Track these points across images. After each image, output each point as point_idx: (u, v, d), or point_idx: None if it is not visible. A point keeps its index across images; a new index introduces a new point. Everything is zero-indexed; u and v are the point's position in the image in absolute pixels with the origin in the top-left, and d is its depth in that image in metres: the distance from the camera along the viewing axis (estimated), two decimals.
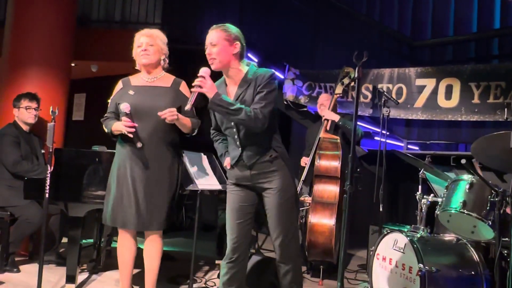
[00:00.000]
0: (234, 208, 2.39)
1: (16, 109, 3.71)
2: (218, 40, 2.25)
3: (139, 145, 2.57)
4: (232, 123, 2.29)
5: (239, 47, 2.28)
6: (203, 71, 2.23)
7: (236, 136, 2.31)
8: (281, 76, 5.53)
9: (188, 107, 2.26)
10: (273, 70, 2.30)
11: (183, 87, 2.79)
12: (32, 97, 3.74)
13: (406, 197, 5.13)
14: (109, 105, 2.77)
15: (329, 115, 3.78)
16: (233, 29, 2.31)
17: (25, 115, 3.70)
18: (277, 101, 2.34)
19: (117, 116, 2.73)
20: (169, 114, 2.53)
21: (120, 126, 2.58)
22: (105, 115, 2.76)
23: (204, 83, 2.15)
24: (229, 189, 2.44)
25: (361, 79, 1.97)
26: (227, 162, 2.41)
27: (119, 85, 2.79)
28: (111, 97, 2.77)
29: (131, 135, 2.56)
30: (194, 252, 3.10)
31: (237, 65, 2.31)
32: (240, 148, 2.32)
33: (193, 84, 2.19)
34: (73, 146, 3.17)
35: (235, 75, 2.32)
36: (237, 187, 2.40)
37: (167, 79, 2.79)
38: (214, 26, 2.32)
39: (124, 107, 2.56)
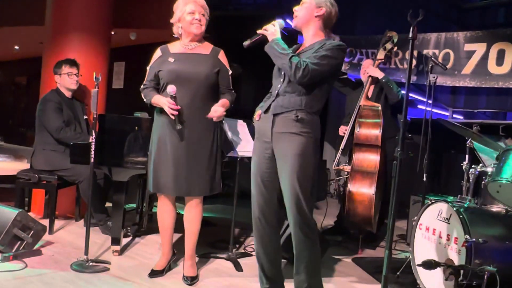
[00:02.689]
0: (252, 172, 2.35)
1: (57, 76, 3.78)
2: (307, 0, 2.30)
3: (178, 126, 2.59)
4: (282, 72, 2.28)
5: (324, 12, 2.26)
6: (276, 20, 2.32)
7: (279, 85, 2.29)
8: None
9: (246, 43, 2.32)
10: (343, 43, 2.23)
11: (222, 55, 2.79)
12: (73, 63, 3.80)
13: (449, 167, 4.98)
14: (147, 72, 2.77)
15: (374, 71, 3.70)
16: (329, 1, 2.30)
17: (67, 81, 3.77)
18: (334, 77, 2.29)
19: (156, 84, 2.74)
20: (215, 114, 2.61)
21: (162, 104, 2.61)
22: (144, 83, 2.77)
23: (269, 28, 2.27)
24: (253, 147, 2.39)
25: (406, 44, 1.86)
26: (257, 113, 2.36)
27: (158, 52, 2.78)
28: (150, 65, 2.77)
29: (173, 117, 2.57)
30: (233, 218, 3.13)
31: (316, 29, 2.29)
32: (274, 97, 2.29)
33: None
34: (113, 113, 3.22)
35: (310, 40, 2.30)
36: (258, 144, 2.34)
37: (207, 47, 2.78)
38: None
39: (171, 89, 2.56)
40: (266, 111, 2.30)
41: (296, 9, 2.34)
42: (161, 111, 2.68)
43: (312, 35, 2.32)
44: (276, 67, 2.37)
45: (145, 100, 2.73)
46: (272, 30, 2.27)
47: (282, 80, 2.29)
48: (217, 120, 2.66)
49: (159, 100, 2.64)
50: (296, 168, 2.17)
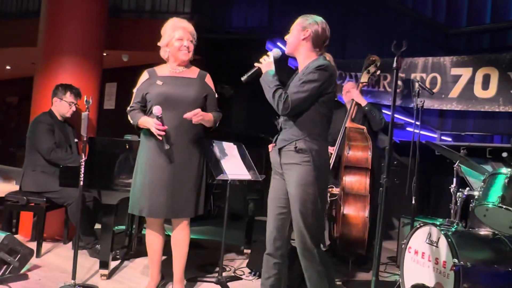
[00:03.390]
0: (270, 198, 2.43)
1: (57, 99, 3.77)
2: (294, 26, 2.39)
3: (166, 147, 2.60)
4: None
5: (310, 33, 2.33)
6: (272, 51, 2.42)
7: (281, 119, 2.38)
8: None
9: (244, 78, 2.41)
10: (325, 63, 2.28)
11: (208, 78, 2.84)
12: (78, 94, 3.81)
13: (438, 189, 5.00)
14: (134, 95, 2.78)
15: (358, 97, 3.74)
16: (310, 19, 2.37)
17: (65, 108, 3.77)
18: (329, 99, 2.32)
19: (143, 107, 2.75)
20: (194, 115, 2.58)
21: (149, 125, 2.61)
22: (131, 105, 2.77)
23: (264, 60, 2.37)
24: (272, 177, 2.47)
25: (394, 68, 1.91)
26: (271, 145, 2.48)
27: (145, 75, 2.79)
28: (137, 87, 2.79)
29: (160, 138, 2.59)
30: (223, 241, 3.12)
31: (306, 52, 2.35)
32: (280, 131, 2.39)
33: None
34: (104, 134, 3.23)
35: (303, 62, 2.37)
36: (275, 175, 2.44)
37: (193, 71, 2.83)
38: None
39: (156, 110, 2.58)
40: (275, 145, 2.40)
41: (286, 37, 2.41)
42: (148, 133, 2.69)
43: (303, 59, 2.38)
44: None
45: (131, 121, 2.73)
46: (266, 62, 2.35)
47: None
48: (195, 122, 2.60)
49: (145, 121, 2.65)
50: (296, 198, 2.26)
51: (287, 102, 2.20)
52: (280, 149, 2.34)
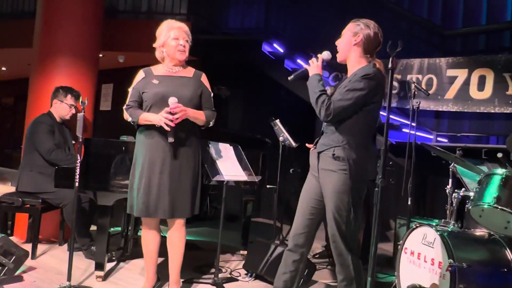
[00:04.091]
0: (303, 196, 2.43)
1: (57, 101, 3.77)
2: (345, 31, 2.34)
3: (171, 139, 2.59)
4: None
5: (361, 38, 2.28)
6: (322, 53, 2.40)
7: (324, 123, 2.36)
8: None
9: (291, 77, 2.42)
10: (373, 71, 2.23)
11: (204, 78, 2.84)
12: (78, 96, 3.80)
13: (434, 190, 5.02)
14: (130, 93, 2.78)
15: None
16: (362, 24, 2.32)
17: (65, 110, 3.77)
18: (374, 108, 2.29)
19: (139, 105, 2.75)
20: (178, 109, 2.56)
21: (154, 119, 2.60)
22: (127, 103, 2.76)
23: (312, 62, 2.34)
24: (308, 176, 2.46)
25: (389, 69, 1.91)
26: (312, 146, 2.45)
27: (141, 74, 2.80)
28: (132, 86, 2.79)
29: (168, 129, 2.57)
30: (219, 242, 3.11)
31: (356, 58, 2.31)
32: (321, 134, 2.37)
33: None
34: (100, 135, 3.23)
35: (352, 69, 2.33)
36: (311, 176, 2.42)
37: (189, 70, 2.83)
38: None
39: (172, 101, 2.57)
40: (315, 147, 2.39)
41: (337, 43, 2.37)
42: (145, 131, 2.69)
43: (353, 65, 2.33)
44: None
45: (130, 119, 2.72)
46: (314, 65, 2.33)
47: None
48: (178, 114, 2.57)
49: (147, 117, 2.64)
50: (331, 205, 2.26)
51: (330, 109, 2.18)
52: (319, 153, 2.33)
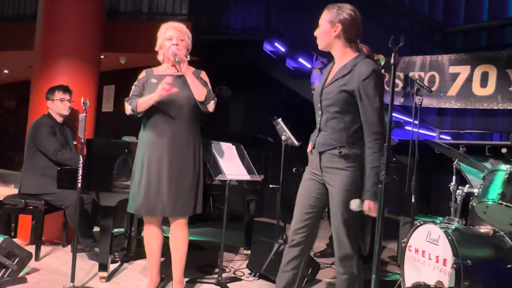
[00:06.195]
0: (301, 195, 2.36)
1: (50, 102, 3.78)
2: (321, 21, 2.24)
3: (177, 58, 2.62)
4: (319, 104, 2.26)
5: (340, 28, 2.18)
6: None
7: (319, 119, 2.28)
8: (309, 66, 5.46)
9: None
10: (374, 65, 2.17)
11: (203, 74, 2.84)
12: (65, 89, 3.81)
13: (438, 188, 4.99)
14: (132, 90, 2.79)
15: None
16: (337, 9, 2.20)
17: (59, 107, 3.78)
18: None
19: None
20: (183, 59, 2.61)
21: (154, 94, 2.59)
22: (129, 96, 2.77)
23: None
24: (304, 175, 2.39)
25: (391, 64, 1.89)
26: (309, 146, 2.37)
27: (143, 74, 2.83)
28: (135, 84, 2.81)
29: (165, 94, 2.58)
30: (223, 242, 3.10)
31: (341, 48, 2.22)
32: (317, 132, 2.28)
33: None
34: (102, 137, 3.22)
35: (340, 60, 2.25)
36: (310, 175, 2.35)
37: (189, 70, 2.80)
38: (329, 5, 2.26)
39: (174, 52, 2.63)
40: (313, 147, 2.31)
41: (316, 33, 2.27)
42: (146, 131, 2.70)
43: (340, 56, 2.25)
44: (315, 99, 2.32)
45: (129, 108, 2.70)
46: None
47: (320, 113, 2.28)
48: (176, 61, 2.64)
49: (145, 97, 2.65)
50: (339, 203, 2.19)
51: (382, 132, 2.13)
52: (320, 153, 2.25)
